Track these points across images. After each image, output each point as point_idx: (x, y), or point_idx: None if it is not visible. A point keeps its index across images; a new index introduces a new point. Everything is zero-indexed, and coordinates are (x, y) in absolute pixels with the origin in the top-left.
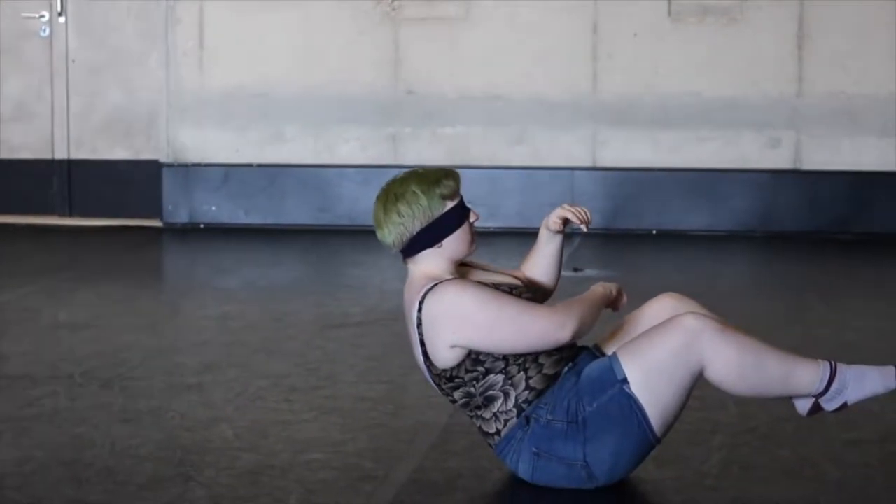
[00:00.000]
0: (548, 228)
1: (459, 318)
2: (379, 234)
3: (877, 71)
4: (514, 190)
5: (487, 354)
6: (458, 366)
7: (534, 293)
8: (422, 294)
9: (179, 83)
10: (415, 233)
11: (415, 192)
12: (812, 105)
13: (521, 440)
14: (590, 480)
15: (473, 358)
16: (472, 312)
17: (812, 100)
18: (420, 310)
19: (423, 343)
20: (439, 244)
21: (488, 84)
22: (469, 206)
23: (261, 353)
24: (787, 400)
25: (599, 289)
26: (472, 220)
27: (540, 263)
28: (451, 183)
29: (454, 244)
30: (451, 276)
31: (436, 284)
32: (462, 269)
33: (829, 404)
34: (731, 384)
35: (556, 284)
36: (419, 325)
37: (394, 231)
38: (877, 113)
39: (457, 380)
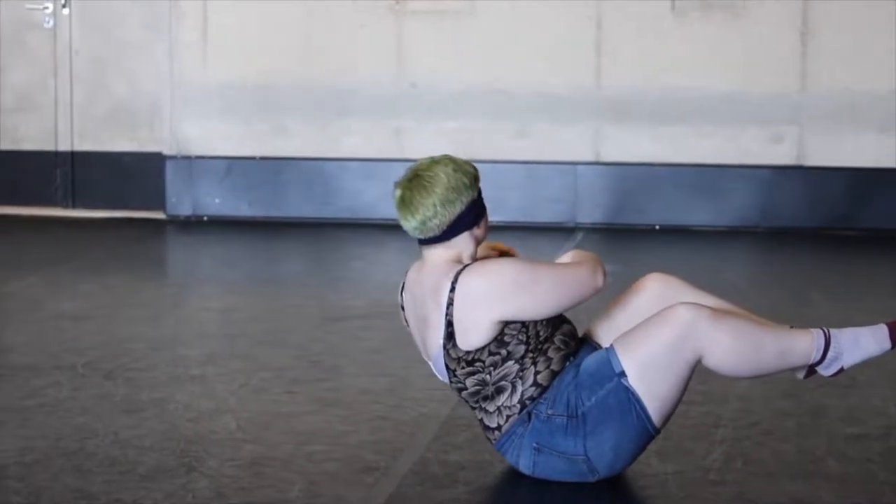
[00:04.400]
0: None
1: (509, 288)
2: (410, 221)
3: (880, 67)
4: (517, 184)
5: (512, 336)
6: (484, 347)
7: None
8: (453, 275)
9: (183, 75)
10: (458, 215)
11: (457, 174)
12: (815, 101)
13: (522, 436)
14: (591, 474)
15: (499, 339)
16: (518, 280)
17: (815, 96)
18: (453, 290)
19: (449, 324)
20: (478, 225)
21: (492, 78)
22: None
23: (263, 345)
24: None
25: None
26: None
27: None
28: (474, 167)
29: (484, 225)
30: (472, 259)
31: (467, 265)
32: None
33: (827, 370)
34: (730, 369)
35: None
36: (449, 305)
37: (436, 215)
38: (879, 109)
39: (476, 363)
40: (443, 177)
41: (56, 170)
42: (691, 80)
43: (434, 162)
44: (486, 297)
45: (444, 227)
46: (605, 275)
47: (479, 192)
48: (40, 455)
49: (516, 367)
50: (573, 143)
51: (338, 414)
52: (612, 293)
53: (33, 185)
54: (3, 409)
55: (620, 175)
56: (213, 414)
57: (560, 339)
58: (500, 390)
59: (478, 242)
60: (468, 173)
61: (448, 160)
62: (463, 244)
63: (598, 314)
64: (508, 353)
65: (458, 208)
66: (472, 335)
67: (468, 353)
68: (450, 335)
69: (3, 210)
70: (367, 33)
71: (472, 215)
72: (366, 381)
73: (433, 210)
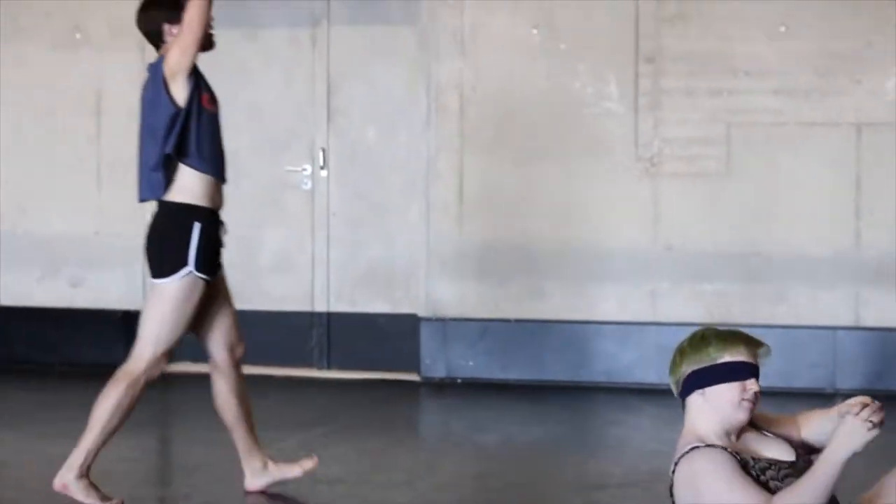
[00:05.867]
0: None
1: (695, 491)
2: (670, 379)
3: None
4: (775, 350)
5: None
6: None
7: (797, 469)
8: (680, 454)
9: (439, 236)
10: (688, 373)
11: (702, 335)
12: None
13: None
14: None
15: None
16: (707, 491)
17: None
18: (674, 471)
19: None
20: (702, 390)
21: (748, 240)
22: (756, 378)
23: None
24: None
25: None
26: (750, 387)
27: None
28: (740, 340)
29: (720, 398)
30: (717, 441)
31: (696, 447)
32: (744, 429)
33: None
34: None
35: None
36: (671, 486)
37: (676, 370)
38: None
39: None
40: (692, 337)
41: (312, 330)
42: None
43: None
44: (684, 487)
45: (679, 385)
46: None
47: (730, 362)
48: None
49: None
50: (832, 306)
51: None
52: (877, 461)
53: (290, 345)
54: None
55: (881, 340)
56: None
57: None
58: None
59: (724, 421)
60: (714, 337)
61: (713, 328)
62: (700, 415)
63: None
64: None
65: (689, 366)
66: None
67: None
68: None
69: (260, 370)
70: (623, 195)
71: (702, 377)
72: None
73: (675, 368)
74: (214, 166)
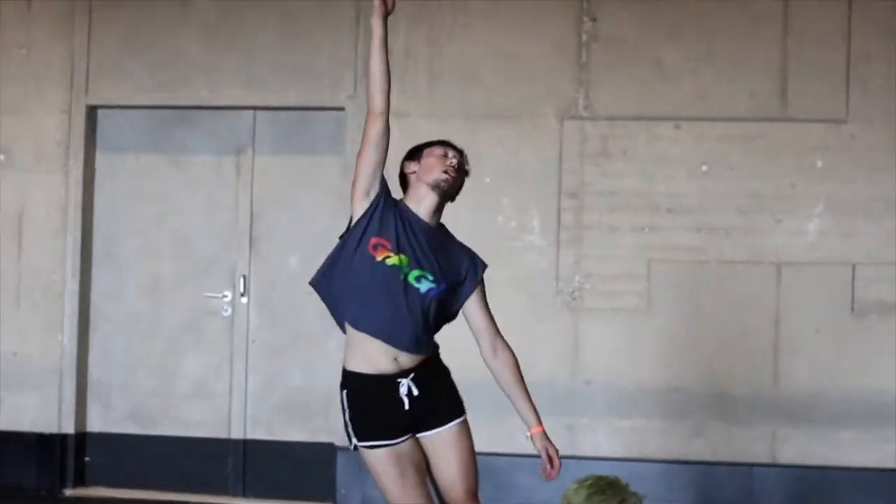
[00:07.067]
0: None
1: None
2: None
3: None
4: (692, 485)
5: None
6: None
7: None
8: None
9: None
10: None
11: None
12: None
13: None
14: None
15: None
16: None
17: None
18: None
19: None
20: None
21: (668, 376)
22: None
23: None
24: None
25: None
26: None
27: None
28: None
29: None
30: None
31: None
32: None
33: None
34: None
35: None
36: None
37: None
38: None
39: None
40: None
41: (228, 457)
42: (871, 382)
43: (580, 487)
44: None
45: None
46: None
47: None
48: None
49: None
50: (749, 443)
51: None
52: None
53: (205, 473)
54: None
55: (797, 477)
56: None
57: None
58: None
59: None
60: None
61: (593, 490)
62: None
63: None
64: None
65: None
66: None
67: None
68: None
69: (174, 496)
70: (542, 328)
71: None
72: None
73: None
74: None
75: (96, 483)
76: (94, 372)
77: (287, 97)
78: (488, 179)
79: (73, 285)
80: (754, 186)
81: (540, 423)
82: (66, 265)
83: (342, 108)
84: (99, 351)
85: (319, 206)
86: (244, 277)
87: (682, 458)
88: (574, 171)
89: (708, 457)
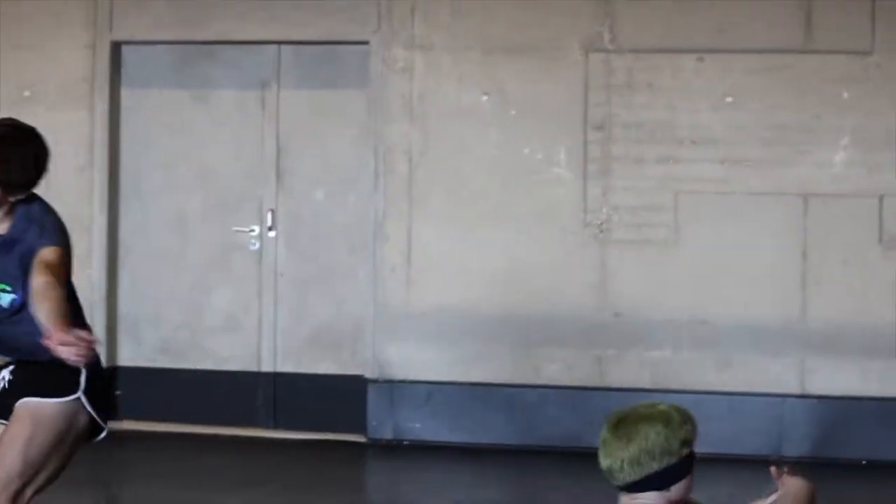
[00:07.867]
0: None
1: None
2: (605, 462)
3: None
4: (721, 416)
5: None
6: None
7: None
8: None
9: (386, 299)
10: (649, 473)
11: (659, 438)
12: None
13: None
14: None
15: None
16: None
17: None
18: None
19: None
20: (668, 489)
21: (696, 308)
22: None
23: None
24: None
25: None
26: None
27: None
28: (691, 429)
29: (680, 490)
30: None
31: None
32: None
33: None
34: None
35: None
36: None
37: (626, 466)
38: None
39: None
40: (642, 438)
41: (258, 390)
42: None
43: (641, 413)
44: None
45: (632, 482)
46: None
47: (688, 455)
48: None
49: None
50: (779, 374)
51: None
52: None
53: (236, 405)
54: None
55: (826, 408)
56: None
57: None
58: None
59: (673, 502)
60: (677, 438)
61: (664, 417)
62: (652, 502)
63: None
64: None
65: (651, 466)
66: None
67: None
68: None
69: (206, 429)
70: (570, 261)
71: (666, 477)
72: None
73: (619, 464)
74: None
75: (127, 416)
76: (123, 306)
77: (310, 31)
78: (513, 112)
79: (101, 220)
80: (779, 118)
81: None
82: (94, 200)
83: (366, 42)
84: (128, 285)
85: (345, 139)
86: (271, 212)
87: (710, 388)
88: (600, 103)
89: (737, 388)
